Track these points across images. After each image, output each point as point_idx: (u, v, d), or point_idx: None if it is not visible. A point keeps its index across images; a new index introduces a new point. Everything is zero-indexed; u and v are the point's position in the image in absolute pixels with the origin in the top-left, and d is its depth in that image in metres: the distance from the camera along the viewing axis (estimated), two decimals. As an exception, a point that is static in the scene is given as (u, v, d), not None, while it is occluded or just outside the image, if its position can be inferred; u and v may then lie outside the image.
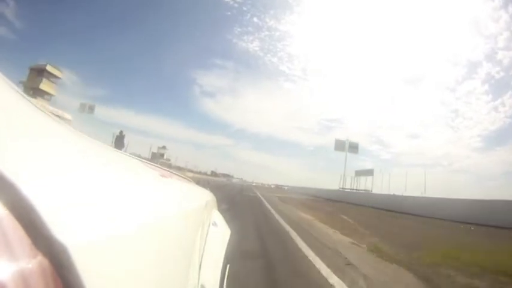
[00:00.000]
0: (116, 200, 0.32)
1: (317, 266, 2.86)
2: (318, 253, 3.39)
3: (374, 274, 2.72)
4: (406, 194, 16.95)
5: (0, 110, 0.26)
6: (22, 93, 0.34)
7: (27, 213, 0.19)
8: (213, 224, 1.10)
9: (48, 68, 29.44)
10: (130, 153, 1.27)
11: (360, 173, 31.10)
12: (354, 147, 35.03)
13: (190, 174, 23.78)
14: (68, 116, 27.18)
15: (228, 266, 1.01)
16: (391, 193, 19.07)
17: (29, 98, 0.36)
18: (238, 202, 10.26)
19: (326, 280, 2.47)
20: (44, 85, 29.07)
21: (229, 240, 1.18)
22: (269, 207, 9.80)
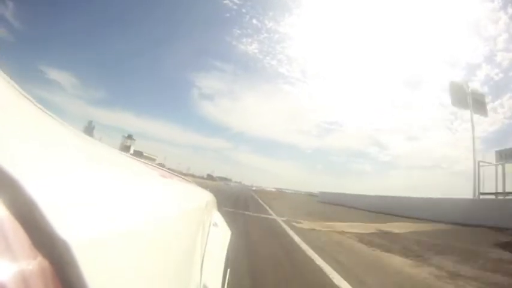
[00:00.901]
0: (117, 200, 0.32)
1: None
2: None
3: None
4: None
5: (0, 109, 0.25)
6: (24, 92, 0.34)
7: (29, 212, 0.18)
8: (213, 225, 1.10)
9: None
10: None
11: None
12: (479, 103, 16.75)
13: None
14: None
15: (228, 270, 1.00)
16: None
17: (30, 97, 0.35)
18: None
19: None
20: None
21: (230, 240, 1.18)
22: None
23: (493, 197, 11.92)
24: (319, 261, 3.34)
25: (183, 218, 0.57)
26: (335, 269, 3.00)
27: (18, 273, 0.17)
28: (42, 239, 0.19)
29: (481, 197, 12.50)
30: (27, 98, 0.34)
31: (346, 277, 2.74)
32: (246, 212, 8.22)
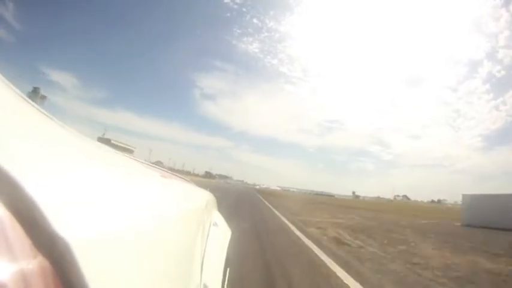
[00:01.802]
0: (117, 200, 0.32)
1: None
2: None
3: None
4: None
5: (0, 110, 0.26)
6: (22, 94, 0.34)
7: (29, 212, 0.18)
8: (213, 225, 1.11)
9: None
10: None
11: None
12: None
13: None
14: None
15: (228, 269, 1.00)
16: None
17: (28, 99, 0.35)
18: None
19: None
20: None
21: (230, 240, 1.18)
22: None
23: None
24: None
25: (183, 218, 0.57)
26: None
27: (18, 272, 0.17)
28: (42, 239, 0.19)
29: None
30: (25, 100, 0.34)
31: None
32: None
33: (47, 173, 0.23)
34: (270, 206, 13.72)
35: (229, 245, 1.15)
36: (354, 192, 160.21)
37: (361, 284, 2.69)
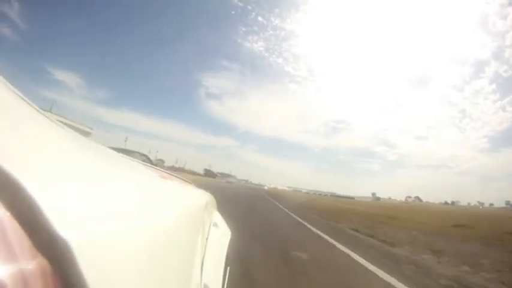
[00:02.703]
0: (117, 201, 0.32)
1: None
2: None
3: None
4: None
5: (0, 111, 0.26)
6: (22, 95, 0.34)
7: (29, 212, 0.18)
8: (213, 225, 1.11)
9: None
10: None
11: None
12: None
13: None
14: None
15: (228, 269, 1.00)
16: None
17: (28, 100, 0.35)
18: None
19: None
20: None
21: (230, 240, 1.18)
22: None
23: None
24: None
25: (182, 219, 0.57)
26: None
27: (18, 273, 0.17)
28: (42, 239, 0.19)
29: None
30: (25, 100, 0.34)
31: None
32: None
33: (47, 173, 0.23)
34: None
35: (229, 245, 1.15)
36: (373, 194, 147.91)
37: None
